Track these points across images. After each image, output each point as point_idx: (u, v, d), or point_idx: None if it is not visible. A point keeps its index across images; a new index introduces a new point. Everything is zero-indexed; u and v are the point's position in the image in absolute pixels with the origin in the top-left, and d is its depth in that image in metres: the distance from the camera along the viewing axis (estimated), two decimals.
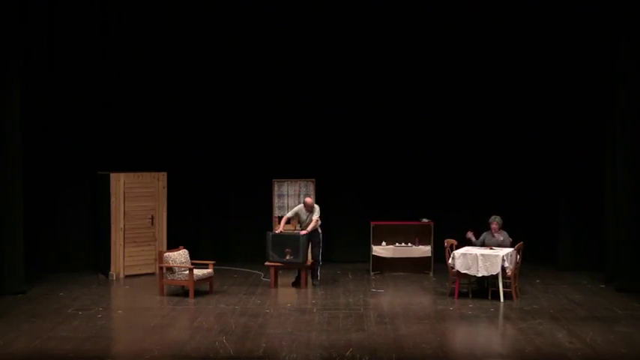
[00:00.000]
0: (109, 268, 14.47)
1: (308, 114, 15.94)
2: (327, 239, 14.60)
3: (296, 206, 14.00)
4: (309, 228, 13.46)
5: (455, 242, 13.02)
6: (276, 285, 13.44)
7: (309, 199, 13.76)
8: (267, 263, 13.53)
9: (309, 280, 13.63)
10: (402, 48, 15.80)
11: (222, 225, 16.28)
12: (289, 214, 13.77)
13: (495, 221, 13.00)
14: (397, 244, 14.86)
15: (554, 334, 10.23)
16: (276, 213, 15.46)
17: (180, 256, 12.90)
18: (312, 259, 13.72)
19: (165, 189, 14.95)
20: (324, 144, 16.02)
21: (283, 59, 15.87)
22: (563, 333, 10.27)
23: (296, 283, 13.70)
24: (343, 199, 15.97)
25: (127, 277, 14.44)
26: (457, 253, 12.48)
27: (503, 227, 13.08)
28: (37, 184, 14.59)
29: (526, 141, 15.75)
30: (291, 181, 15.64)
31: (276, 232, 13.62)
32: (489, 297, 12.37)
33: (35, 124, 14.55)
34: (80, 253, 15.25)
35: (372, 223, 14.78)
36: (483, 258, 12.23)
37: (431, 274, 14.65)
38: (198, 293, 12.74)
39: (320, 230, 13.67)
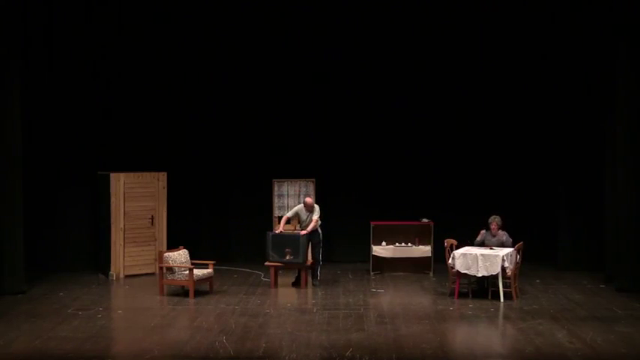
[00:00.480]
0: (109, 268, 14.47)
1: (308, 114, 15.94)
2: (327, 239, 14.60)
3: (296, 206, 14.00)
4: (309, 228, 13.46)
5: (455, 242, 13.02)
6: (276, 285, 13.44)
7: (309, 199, 13.77)
8: (267, 263, 13.53)
9: (309, 280, 13.63)
10: (402, 48, 15.80)
11: (222, 225, 16.28)
12: (289, 214, 13.77)
13: (495, 221, 12.99)
14: (397, 244, 14.86)
15: (554, 334, 10.23)
16: (276, 213, 15.46)
17: (180, 256, 12.90)
18: (312, 259, 13.72)
19: (165, 189, 14.95)
20: (324, 144, 16.02)
21: (283, 59, 15.87)
22: (563, 333, 10.27)
23: (296, 283, 13.70)
24: (343, 199, 15.97)
25: (127, 277, 14.44)
26: (457, 253, 12.48)
27: (503, 227, 13.07)
28: (37, 184, 14.59)
29: (526, 141, 15.75)
30: (291, 181, 15.64)
31: (276, 232, 13.62)
32: (489, 297, 12.37)
33: (35, 124, 14.56)
34: (80, 253, 15.25)
35: (372, 223, 14.78)
36: (483, 258, 12.23)
37: (431, 274, 14.65)
38: (198, 293, 12.74)
39: (320, 230, 13.67)
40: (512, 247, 12.72)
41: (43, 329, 10.48)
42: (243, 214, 16.16)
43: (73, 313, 11.46)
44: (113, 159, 15.35)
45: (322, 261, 13.92)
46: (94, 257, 15.26)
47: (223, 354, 9.34)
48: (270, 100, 16.01)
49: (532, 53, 15.40)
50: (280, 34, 15.80)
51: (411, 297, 12.79)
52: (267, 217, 15.60)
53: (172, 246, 14.10)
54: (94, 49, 15.24)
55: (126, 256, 14.52)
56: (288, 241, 13.37)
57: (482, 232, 13.01)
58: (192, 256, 13.15)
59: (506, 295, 12.27)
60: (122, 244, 14.48)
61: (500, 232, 12.99)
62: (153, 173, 14.87)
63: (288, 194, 15.63)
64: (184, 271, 12.72)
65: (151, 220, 14.76)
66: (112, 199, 14.43)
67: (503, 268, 12.18)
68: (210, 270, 13.05)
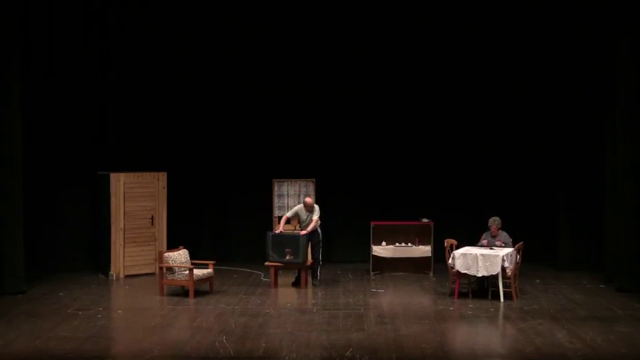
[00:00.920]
0: (109, 268, 14.47)
1: (308, 114, 15.94)
2: (327, 239, 14.61)
3: (296, 206, 14.00)
4: (309, 228, 13.46)
5: (455, 242, 13.02)
6: (276, 285, 13.44)
7: (309, 199, 13.76)
8: (267, 263, 13.53)
9: (309, 280, 13.63)
10: (402, 48, 15.80)
11: (222, 225, 16.28)
12: (289, 214, 13.77)
13: (494, 224, 13.01)
14: (397, 244, 14.86)
15: (554, 334, 10.23)
16: (276, 213, 15.46)
17: (180, 256, 12.90)
18: (312, 259, 13.72)
19: (165, 189, 14.95)
20: (324, 144, 16.01)
21: (283, 59, 15.87)
22: (563, 333, 10.27)
23: (296, 283, 13.70)
24: (343, 199, 15.97)
25: (127, 277, 14.44)
26: (457, 253, 12.48)
27: (503, 227, 13.08)
28: (37, 184, 14.58)
29: (526, 141, 15.74)
30: (291, 181, 15.64)
31: (276, 232, 13.62)
32: (489, 297, 12.37)
33: (35, 124, 14.55)
34: (80, 253, 15.25)
35: (372, 223, 14.78)
36: (483, 258, 12.23)
37: (431, 274, 14.64)
38: (198, 293, 12.74)
39: (320, 230, 13.67)
40: (512, 247, 12.72)
41: (43, 329, 10.48)
42: (243, 214, 16.16)
43: (73, 313, 11.46)
44: (113, 159, 15.35)
45: (322, 261, 13.92)
46: (94, 257, 15.26)
47: (223, 354, 9.34)
48: (270, 100, 16.01)
49: (532, 53, 15.39)
50: (280, 34, 15.80)
51: (411, 297, 12.79)
52: (267, 217, 15.60)
53: (172, 246, 14.10)
54: (94, 49, 15.24)
55: (126, 256, 14.52)
56: (288, 241, 13.37)
57: (484, 241, 12.98)
58: (192, 256, 13.15)
59: (506, 295, 12.27)
60: (122, 244, 14.48)
61: (500, 233, 13.00)
62: (153, 173, 14.87)
63: (288, 194, 15.63)
64: (184, 271, 12.72)
65: (150, 220, 14.76)
66: (112, 199, 14.43)
67: (503, 268, 12.18)
68: (210, 270, 13.05)
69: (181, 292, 12.87)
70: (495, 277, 12.22)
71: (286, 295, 12.99)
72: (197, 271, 12.73)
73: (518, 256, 12.64)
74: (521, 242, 12.81)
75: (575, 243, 15.00)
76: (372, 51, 15.83)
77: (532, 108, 15.62)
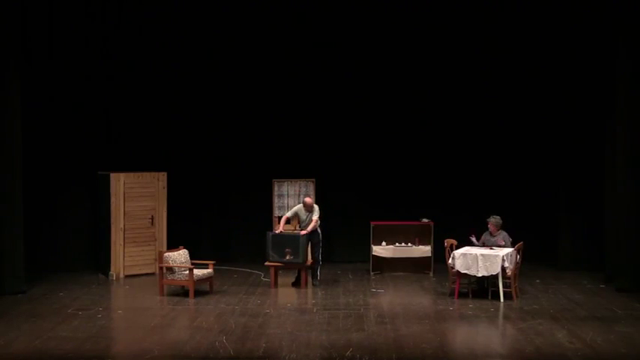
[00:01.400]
0: (109, 268, 14.47)
1: (308, 114, 15.94)
2: (327, 239, 14.61)
3: (295, 206, 14.00)
4: (309, 228, 13.45)
5: (455, 242, 13.02)
6: (276, 285, 13.44)
7: (308, 199, 13.76)
8: (267, 263, 13.53)
9: (309, 280, 13.63)
10: (402, 48, 15.81)
11: (222, 225, 16.28)
12: (289, 214, 13.77)
13: (490, 222, 13.00)
14: (397, 244, 14.86)
15: (554, 334, 10.23)
16: (276, 213, 15.46)
17: (180, 256, 12.90)
18: (312, 259, 13.72)
19: (165, 189, 14.95)
20: (324, 144, 16.02)
21: (283, 59, 15.87)
22: (563, 333, 10.27)
23: (296, 283, 13.70)
24: (343, 199, 15.97)
25: (127, 277, 14.45)
26: (457, 253, 12.48)
27: (503, 227, 13.07)
28: (37, 184, 14.58)
29: (526, 141, 15.75)
30: (291, 181, 15.64)
31: (276, 232, 13.62)
32: (489, 297, 12.37)
33: (35, 124, 14.54)
34: (80, 253, 15.25)
35: (372, 223, 14.78)
36: (483, 258, 12.23)
37: (431, 274, 14.65)
38: (198, 293, 12.74)
39: (320, 230, 13.67)
40: (512, 247, 12.72)
41: (43, 329, 10.47)
42: (243, 214, 16.16)
43: (73, 313, 11.46)
44: (113, 159, 15.35)
45: (322, 261, 13.91)
46: (94, 257, 15.26)
47: (223, 354, 9.34)
48: (270, 100, 16.01)
49: (532, 53, 15.40)
50: (280, 34, 15.80)
51: (411, 297, 12.79)
52: (267, 217, 15.60)
53: (172, 246, 14.10)
54: (94, 49, 15.24)
55: (126, 256, 14.52)
56: (288, 241, 13.37)
57: (472, 236, 12.99)
58: (192, 256, 13.16)
59: (506, 295, 12.27)
60: (122, 244, 14.48)
61: (499, 232, 12.99)
62: (153, 173, 14.87)
63: (288, 194, 15.63)
64: (184, 271, 12.72)
65: (150, 220, 14.76)
66: (112, 199, 14.43)
67: (503, 268, 12.18)
68: (210, 270, 13.05)
69: (181, 292, 12.87)
70: (495, 277, 12.22)
71: (286, 295, 12.99)
72: (197, 271, 12.73)
73: (518, 256, 12.64)
74: (521, 242, 12.81)
75: (575, 243, 15.00)
76: (372, 51, 15.82)
77: (532, 108, 15.62)
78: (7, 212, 12.92)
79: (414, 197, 15.75)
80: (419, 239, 14.83)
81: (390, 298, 12.69)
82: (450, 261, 12.58)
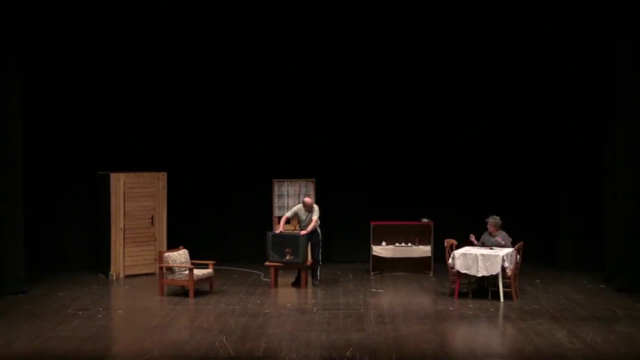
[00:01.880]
0: (109, 268, 14.47)
1: (308, 114, 15.95)
2: (327, 239, 14.60)
3: (295, 206, 14.00)
4: (309, 228, 13.45)
5: (455, 242, 13.02)
6: (276, 285, 13.44)
7: (308, 199, 13.76)
8: (267, 263, 13.53)
9: (309, 280, 13.63)
10: (402, 48, 15.81)
11: (222, 225, 16.28)
12: (289, 214, 13.77)
13: (489, 222, 13.00)
14: (397, 244, 14.86)
15: (554, 334, 10.23)
16: (276, 213, 15.46)
17: (180, 256, 12.90)
18: (312, 259, 13.72)
19: (165, 189, 14.95)
20: (324, 144, 16.02)
21: (283, 59, 15.87)
22: (563, 333, 10.27)
23: (296, 283, 13.70)
24: (343, 199, 15.96)
25: (127, 277, 14.44)
26: (457, 253, 12.47)
27: (503, 227, 13.06)
28: (37, 184, 14.58)
29: (526, 141, 15.75)
30: (291, 181, 15.64)
31: (276, 232, 13.62)
32: (489, 297, 12.37)
33: (36, 124, 14.55)
34: (80, 253, 15.25)
35: (372, 223, 14.78)
36: (483, 258, 12.23)
37: (431, 274, 14.65)
38: (198, 293, 12.74)
39: (320, 230, 13.67)
40: (512, 247, 12.72)
41: (43, 329, 10.47)
42: (243, 214, 16.17)
43: (73, 313, 11.46)
44: (113, 159, 15.36)
45: (322, 261, 13.92)
46: (94, 257, 15.26)
47: (223, 354, 9.33)
48: (270, 100, 16.01)
49: (532, 53, 15.40)
50: (280, 34, 15.80)
51: (411, 297, 12.79)
52: (267, 217, 15.60)
53: (172, 246, 14.10)
54: (95, 49, 15.24)
55: (126, 256, 14.52)
56: (288, 241, 13.37)
57: (472, 237, 12.98)
58: (192, 256, 13.15)
59: (506, 295, 12.27)
60: (122, 244, 14.48)
61: (499, 232, 12.99)
62: (153, 173, 14.87)
63: (288, 194, 15.64)
64: (184, 271, 12.72)
65: (150, 220, 14.76)
66: (112, 199, 14.43)
67: (503, 268, 12.18)
68: (210, 270, 13.05)
69: (181, 292, 12.87)
70: (495, 277, 12.22)
71: (286, 295, 12.99)
72: (197, 271, 12.73)
73: (518, 256, 12.64)
74: (521, 242, 12.81)
75: (575, 243, 15.00)
76: (372, 51, 15.83)
77: (532, 108, 15.62)
78: (7, 212, 12.92)
79: (414, 197, 15.75)
80: (419, 239, 14.83)
81: (390, 298, 12.69)
82: (450, 261, 12.58)
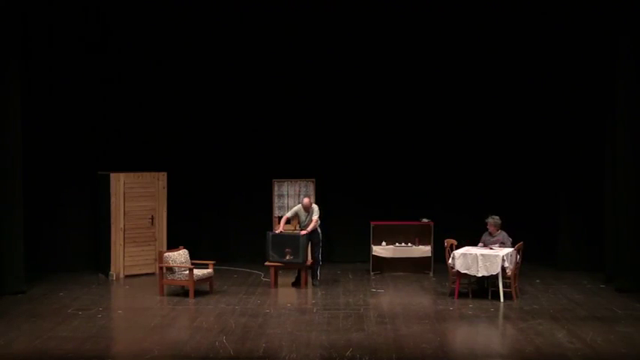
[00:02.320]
0: (109, 268, 14.47)
1: (308, 114, 15.94)
2: (327, 239, 14.61)
3: (295, 206, 14.00)
4: (309, 228, 13.46)
5: (455, 242, 13.02)
6: (276, 285, 13.44)
7: (307, 200, 13.76)
8: (267, 263, 13.53)
9: (309, 280, 13.64)
10: (402, 48, 15.80)
11: (222, 225, 16.28)
12: (289, 214, 13.78)
13: (489, 222, 13.00)
14: (397, 244, 14.86)
15: (554, 334, 10.23)
16: (276, 213, 15.47)
17: (180, 256, 12.91)
18: (312, 259, 13.72)
19: (165, 189, 14.95)
20: (324, 144, 16.02)
21: (283, 59, 15.86)
22: (563, 333, 10.27)
23: (296, 283, 13.70)
24: (343, 199, 15.97)
25: (127, 277, 14.45)
26: (457, 253, 12.48)
27: (503, 227, 13.07)
28: (37, 184, 14.59)
29: (526, 141, 15.76)
30: (291, 181, 15.65)
31: (276, 232, 13.62)
32: (489, 297, 12.37)
33: (36, 124, 14.54)
34: (80, 253, 15.25)
35: (372, 223, 14.78)
36: (483, 258, 12.23)
37: (431, 274, 14.65)
38: (198, 293, 12.74)
39: (320, 230, 13.67)
40: (512, 247, 12.72)
41: (43, 329, 10.48)
42: (243, 214, 16.17)
43: (73, 313, 11.46)
44: (113, 159, 15.36)
45: (322, 261, 13.92)
46: (94, 257, 15.27)
47: (223, 354, 9.34)
48: (270, 100, 16.01)
49: (532, 53, 15.40)
50: (280, 34, 15.79)
51: (411, 297, 12.79)
52: (267, 217, 15.61)
53: (172, 246, 14.10)
54: (94, 49, 15.24)
55: (126, 256, 14.52)
56: (288, 241, 13.37)
57: (481, 244, 12.99)
58: (192, 256, 13.16)
59: (506, 295, 12.27)
60: (122, 244, 14.48)
61: (499, 232, 12.99)
62: (153, 173, 14.87)
63: (288, 194, 15.64)
64: (184, 271, 12.72)
65: (151, 220, 14.76)
66: (112, 199, 14.43)
67: (503, 268, 12.18)
68: (210, 270, 13.05)
69: (181, 292, 12.87)
70: (495, 277, 12.22)
71: (286, 295, 12.99)
72: (197, 271, 12.73)
73: (518, 256, 12.64)
74: (521, 242, 12.81)
75: (575, 243, 15.00)
76: (372, 51, 15.82)
77: (532, 108, 15.62)
78: (7, 212, 12.92)
79: (414, 197, 15.75)
80: (419, 239, 14.83)
81: (390, 298, 12.69)
82: (450, 261, 12.58)
